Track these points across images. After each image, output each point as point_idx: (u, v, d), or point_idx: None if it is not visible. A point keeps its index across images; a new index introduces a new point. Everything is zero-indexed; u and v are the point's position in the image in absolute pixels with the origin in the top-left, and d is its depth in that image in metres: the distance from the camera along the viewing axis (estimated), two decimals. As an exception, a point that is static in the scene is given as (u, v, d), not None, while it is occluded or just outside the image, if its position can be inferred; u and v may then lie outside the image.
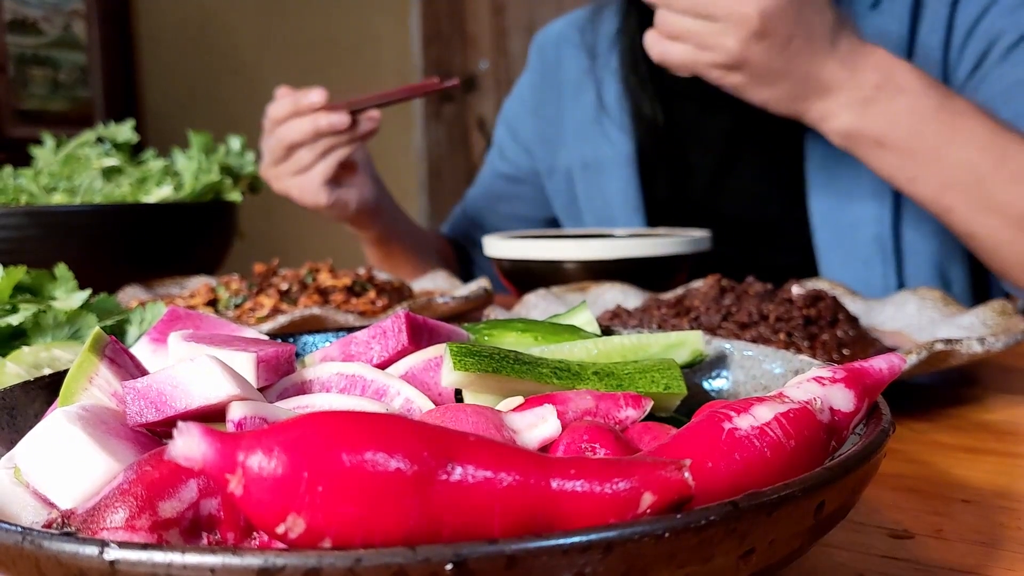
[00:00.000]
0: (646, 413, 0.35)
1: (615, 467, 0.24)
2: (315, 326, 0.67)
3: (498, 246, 0.94)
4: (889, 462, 0.47)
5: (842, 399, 0.31)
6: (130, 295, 0.86)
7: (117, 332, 0.59)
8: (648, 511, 0.23)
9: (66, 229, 0.90)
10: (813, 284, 0.78)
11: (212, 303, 0.78)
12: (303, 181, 1.01)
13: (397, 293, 0.83)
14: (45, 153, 1.05)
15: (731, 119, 1.09)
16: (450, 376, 0.35)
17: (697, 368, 0.44)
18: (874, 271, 1.01)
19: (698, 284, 0.74)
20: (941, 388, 0.64)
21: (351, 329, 0.47)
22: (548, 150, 1.29)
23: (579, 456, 0.28)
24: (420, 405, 0.35)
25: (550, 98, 1.29)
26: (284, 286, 0.78)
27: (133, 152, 1.09)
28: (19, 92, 3.11)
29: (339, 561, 0.20)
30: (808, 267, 1.05)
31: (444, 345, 0.37)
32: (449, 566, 0.20)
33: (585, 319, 0.46)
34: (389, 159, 2.64)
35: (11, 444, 0.34)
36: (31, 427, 0.31)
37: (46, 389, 0.38)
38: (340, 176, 1.04)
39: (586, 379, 0.37)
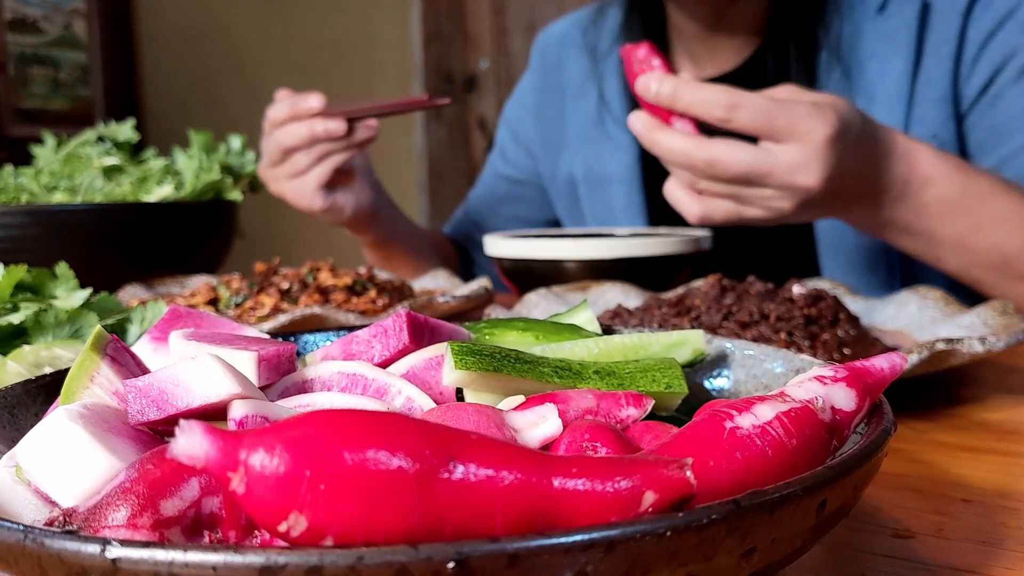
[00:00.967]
0: (647, 412, 0.35)
1: (617, 466, 0.24)
2: (316, 325, 0.67)
3: (499, 245, 0.94)
4: (890, 461, 0.47)
5: (844, 398, 0.31)
6: (131, 294, 0.86)
7: (118, 331, 0.59)
8: (650, 510, 0.23)
9: (67, 228, 0.90)
10: (814, 284, 0.78)
11: (213, 302, 0.78)
12: (298, 185, 1.01)
13: (398, 292, 0.83)
14: (46, 152, 1.05)
15: None
16: (451, 375, 0.35)
17: (698, 367, 0.44)
18: (878, 276, 1.01)
19: (699, 283, 0.73)
20: (942, 387, 0.64)
21: (352, 328, 0.47)
22: (550, 152, 1.28)
23: (580, 455, 0.28)
24: (421, 404, 0.35)
25: (552, 100, 1.28)
26: (285, 285, 0.78)
27: (134, 151, 1.09)
28: (19, 91, 3.12)
29: (341, 559, 0.20)
30: (810, 272, 1.05)
31: (445, 344, 0.37)
32: (451, 564, 0.20)
33: (586, 318, 0.46)
34: (390, 159, 2.65)
35: (12, 443, 0.34)
36: (32, 426, 0.31)
37: (47, 388, 0.38)
38: (336, 181, 1.04)
39: (587, 378, 0.37)
